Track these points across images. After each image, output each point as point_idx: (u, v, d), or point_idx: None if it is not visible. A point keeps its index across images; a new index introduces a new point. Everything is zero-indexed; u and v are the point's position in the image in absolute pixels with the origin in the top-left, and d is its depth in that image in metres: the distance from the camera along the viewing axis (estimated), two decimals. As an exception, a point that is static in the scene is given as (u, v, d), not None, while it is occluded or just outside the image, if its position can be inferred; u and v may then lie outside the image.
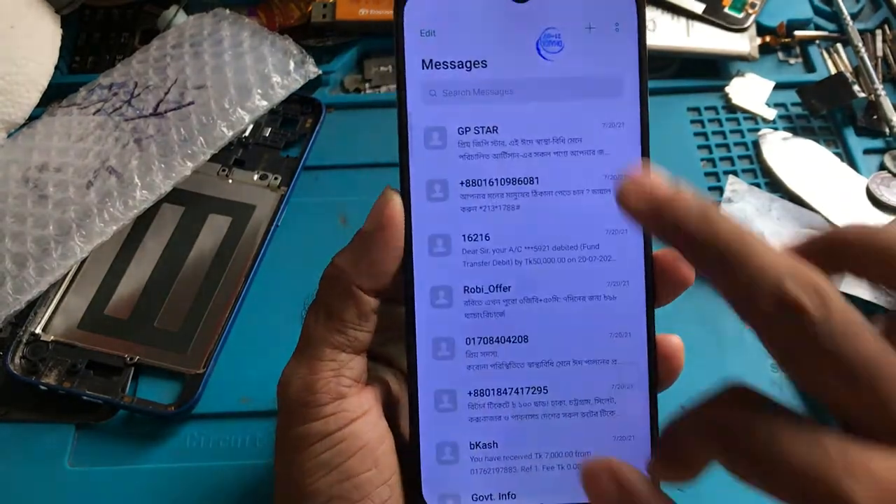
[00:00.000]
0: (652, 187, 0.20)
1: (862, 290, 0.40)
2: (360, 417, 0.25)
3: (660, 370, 0.26)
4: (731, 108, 0.47)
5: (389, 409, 0.27)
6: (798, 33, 0.50)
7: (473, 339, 0.26)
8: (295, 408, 0.25)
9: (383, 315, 0.26)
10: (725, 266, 0.18)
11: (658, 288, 0.26)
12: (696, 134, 0.46)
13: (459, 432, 0.26)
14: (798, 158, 0.44)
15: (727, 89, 0.48)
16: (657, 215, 0.20)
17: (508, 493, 0.25)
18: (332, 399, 0.24)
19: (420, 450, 0.25)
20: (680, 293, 0.26)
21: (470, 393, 0.26)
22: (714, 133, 0.46)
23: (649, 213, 0.20)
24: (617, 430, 0.26)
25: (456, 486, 0.25)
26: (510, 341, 0.26)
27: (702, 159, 0.45)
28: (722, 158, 0.45)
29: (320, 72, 0.45)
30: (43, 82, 0.45)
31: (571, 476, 0.25)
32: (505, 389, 0.26)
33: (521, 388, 0.26)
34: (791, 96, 0.47)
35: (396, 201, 0.25)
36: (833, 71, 0.48)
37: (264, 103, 0.42)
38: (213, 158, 0.41)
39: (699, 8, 0.49)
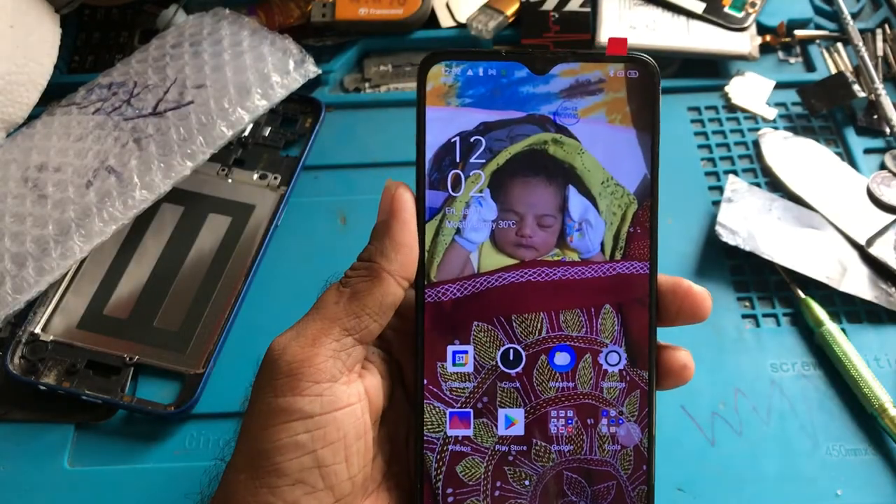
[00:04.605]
0: None
1: (862, 290, 0.40)
2: (344, 408, 0.25)
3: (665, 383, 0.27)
4: (732, 107, 0.47)
5: (374, 410, 0.27)
6: (798, 33, 0.50)
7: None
8: (287, 375, 0.25)
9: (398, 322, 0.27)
10: None
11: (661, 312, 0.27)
12: (697, 133, 0.46)
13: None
14: (798, 158, 0.44)
15: (727, 89, 0.48)
16: None
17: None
18: (325, 380, 0.25)
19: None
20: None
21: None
22: (714, 133, 0.46)
23: None
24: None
25: None
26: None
27: (702, 159, 0.45)
28: (722, 158, 0.45)
29: (320, 71, 0.45)
30: (42, 82, 0.45)
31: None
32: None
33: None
34: (791, 96, 0.47)
35: (402, 187, 0.26)
36: (833, 70, 0.48)
37: (264, 103, 0.42)
38: (213, 158, 0.41)
39: (699, 7, 0.49)
